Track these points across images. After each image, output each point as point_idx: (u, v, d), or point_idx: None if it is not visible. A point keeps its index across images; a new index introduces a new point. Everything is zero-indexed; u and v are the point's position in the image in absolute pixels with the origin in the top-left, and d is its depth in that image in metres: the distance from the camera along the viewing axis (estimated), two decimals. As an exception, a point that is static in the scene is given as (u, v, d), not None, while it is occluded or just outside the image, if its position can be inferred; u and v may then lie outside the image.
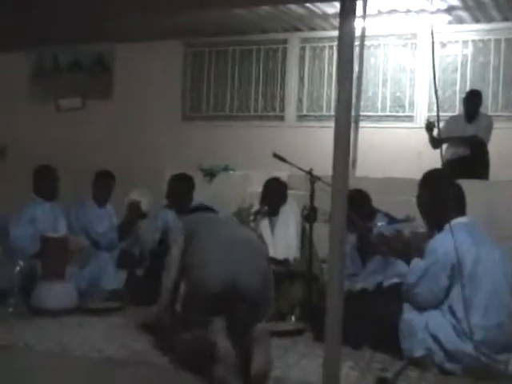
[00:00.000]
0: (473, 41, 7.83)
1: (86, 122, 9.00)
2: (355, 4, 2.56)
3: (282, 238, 4.96)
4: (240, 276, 3.36)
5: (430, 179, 3.84)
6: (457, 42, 7.87)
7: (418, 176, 3.98)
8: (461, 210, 3.69)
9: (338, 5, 2.59)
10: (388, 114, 8.20)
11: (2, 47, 7.12)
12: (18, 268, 4.71)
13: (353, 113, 7.69)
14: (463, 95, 7.05)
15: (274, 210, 5.05)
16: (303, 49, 8.62)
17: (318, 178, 4.54)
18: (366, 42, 7.90)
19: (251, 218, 4.95)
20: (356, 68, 7.87)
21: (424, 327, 3.49)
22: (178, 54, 9.15)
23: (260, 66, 8.85)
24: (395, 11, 7.54)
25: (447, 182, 3.77)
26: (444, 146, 6.59)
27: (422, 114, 7.93)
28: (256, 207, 5.07)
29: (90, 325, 4.28)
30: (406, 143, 7.77)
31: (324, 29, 8.28)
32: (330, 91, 8.38)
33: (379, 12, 7.58)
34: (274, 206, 5.06)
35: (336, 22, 5.84)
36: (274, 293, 3.62)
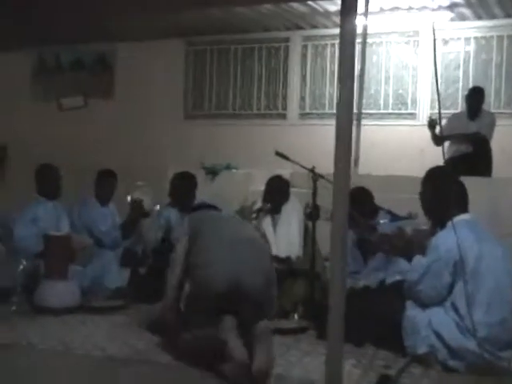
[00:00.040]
0: (475, 38, 7.81)
1: (88, 120, 9.00)
2: (356, 1, 2.56)
3: (285, 236, 4.96)
4: (244, 276, 3.37)
5: (432, 176, 3.84)
6: (459, 39, 7.85)
7: (421, 173, 3.98)
8: (463, 207, 3.69)
9: (339, 2, 2.58)
10: (390, 111, 8.18)
11: (3, 47, 7.12)
12: (21, 267, 4.72)
13: (355, 110, 7.71)
14: (466, 92, 7.03)
15: (277, 208, 5.05)
16: (305, 47, 8.61)
17: (321, 176, 4.54)
18: (368, 40, 7.88)
19: (253, 215, 4.95)
20: (358, 66, 7.88)
21: (427, 324, 3.49)
22: (180, 53, 9.13)
23: (262, 64, 8.84)
24: (397, 8, 7.52)
25: (450, 179, 3.77)
26: (447, 144, 6.58)
27: (424, 111, 7.91)
28: (258, 204, 5.07)
29: (92, 323, 4.29)
30: (408, 141, 7.75)
31: (326, 27, 8.26)
32: (332, 89, 8.37)
33: (381, 9, 7.57)
34: (277, 203, 5.06)
35: (338, 19, 5.82)
36: (277, 292, 3.63)
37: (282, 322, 4.19)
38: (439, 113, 5.76)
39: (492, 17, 7.60)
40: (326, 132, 6.56)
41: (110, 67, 9.39)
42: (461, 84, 7.82)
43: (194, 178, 5.63)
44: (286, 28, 8.55)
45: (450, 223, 3.39)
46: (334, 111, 2.59)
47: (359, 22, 7.49)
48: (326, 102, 8.44)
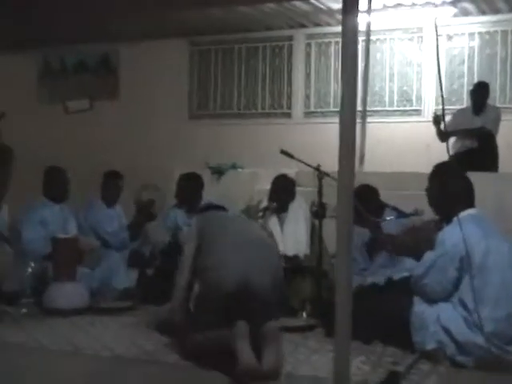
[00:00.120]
0: (479, 33, 7.79)
1: (94, 122, 9.02)
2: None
3: (292, 235, 4.97)
4: (253, 276, 3.38)
5: (439, 172, 3.85)
6: (463, 34, 7.83)
7: (427, 169, 3.98)
8: (470, 203, 3.69)
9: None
10: (395, 108, 8.17)
11: (3, 47, 7.13)
12: (29, 269, 4.75)
13: (360, 108, 7.70)
14: (470, 88, 7.02)
15: (283, 207, 5.06)
16: (309, 45, 8.60)
17: (326, 174, 4.53)
18: (372, 37, 7.88)
19: (260, 214, 4.95)
20: (362, 63, 7.88)
21: (435, 320, 3.49)
22: (184, 53, 9.14)
23: (266, 63, 8.84)
24: (400, 5, 7.51)
25: (456, 174, 3.77)
26: (452, 139, 6.58)
27: (429, 107, 7.90)
28: (264, 203, 5.07)
29: (101, 324, 4.30)
30: (413, 137, 7.74)
31: (329, 24, 8.26)
32: (336, 87, 8.36)
33: (384, 6, 7.56)
34: (283, 202, 5.06)
35: (341, 17, 5.82)
36: (285, 291, 3.63)
37: (290, 320, 4.19)
38: (443, 109, 5.77)
39: (496, 11, 7.58)
40: (330, 130, 6.54)
41: (113, 69, 9.40)
42: (466, 79, 7.80)
43: (200, 179, 5.64)
44: (290, 26, 8.54)
45: (456, 218, 3.39)
46: (339, 109, 2.59)
47: (362, 19, 7.49)
48: (331, 100, 8.43)
